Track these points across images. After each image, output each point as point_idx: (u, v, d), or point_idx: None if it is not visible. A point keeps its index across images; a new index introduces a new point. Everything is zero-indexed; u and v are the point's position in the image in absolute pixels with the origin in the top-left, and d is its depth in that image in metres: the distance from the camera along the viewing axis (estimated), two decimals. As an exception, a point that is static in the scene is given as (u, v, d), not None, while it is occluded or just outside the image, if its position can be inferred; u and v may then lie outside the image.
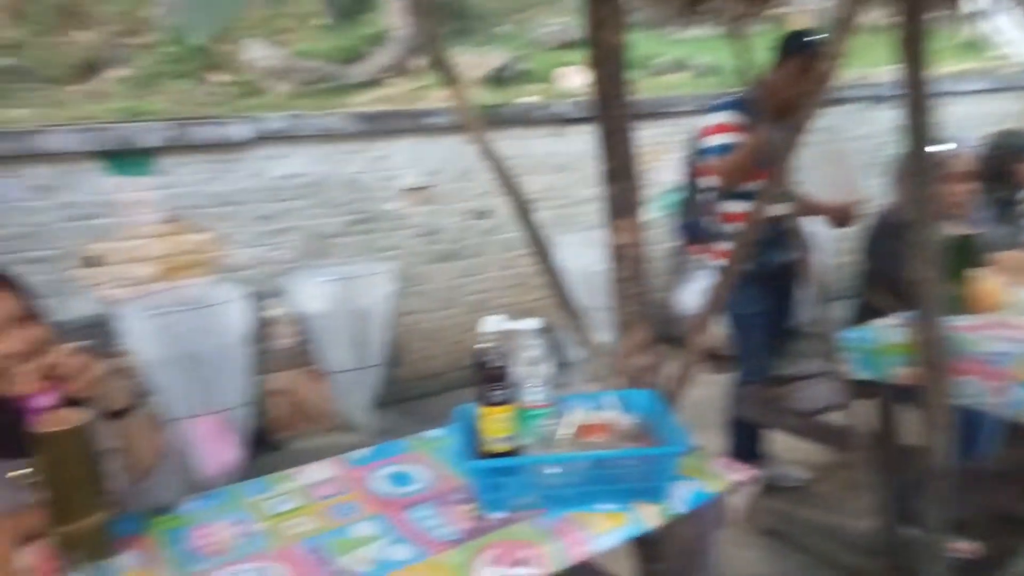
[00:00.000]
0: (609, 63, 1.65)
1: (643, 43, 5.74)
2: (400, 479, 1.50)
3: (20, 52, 4.65)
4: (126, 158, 3.55)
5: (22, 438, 1.17)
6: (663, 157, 4.48)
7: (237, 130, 3.70)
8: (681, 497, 1.37)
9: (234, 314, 3.62)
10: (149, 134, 3.55)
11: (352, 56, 4.72)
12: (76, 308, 3.56)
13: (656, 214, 4.70)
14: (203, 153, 3.68)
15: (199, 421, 3.49)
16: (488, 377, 1.41)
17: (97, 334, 3.56)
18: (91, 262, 3.57)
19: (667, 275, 4.71)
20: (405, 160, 4.15)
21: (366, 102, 4.33)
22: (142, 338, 3.42)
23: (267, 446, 3.91)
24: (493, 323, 1.41)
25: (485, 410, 1.41)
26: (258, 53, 4.60)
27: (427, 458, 1.59)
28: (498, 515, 1.34)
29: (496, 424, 1.41)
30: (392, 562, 1.21)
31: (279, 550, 1.27)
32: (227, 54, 4.76)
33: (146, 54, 4.73)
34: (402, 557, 1.23)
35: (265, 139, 3.79)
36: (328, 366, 3.95)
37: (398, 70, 4.68)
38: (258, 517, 1.39)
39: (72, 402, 1.25)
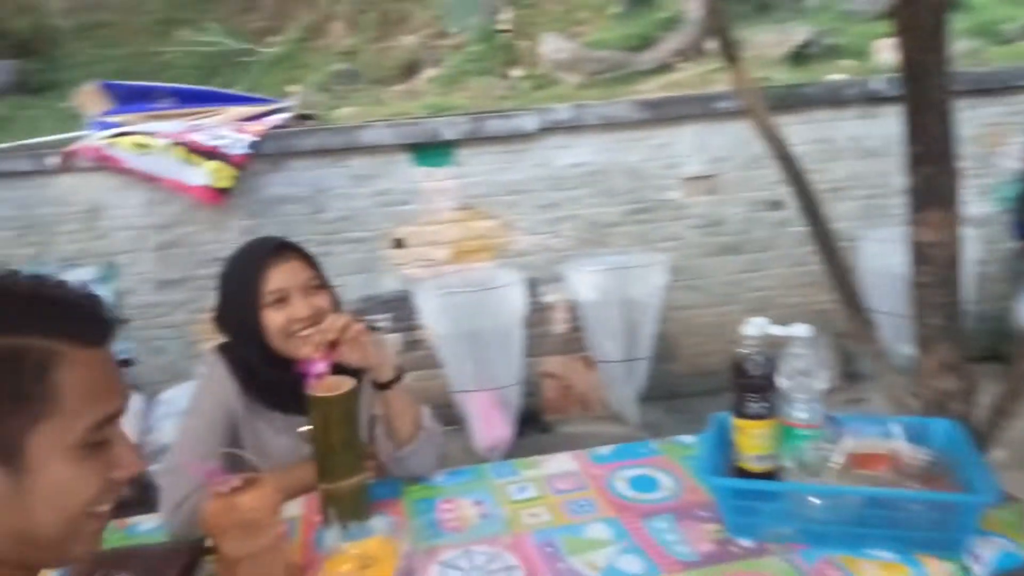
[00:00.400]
0: (921, 28, 1.38)
1: (989, 6, 4.87)
2: (643, 483, 1.41)
3: (354, 57, 5.32)
4: (431, 150, 3.88)
5: (301, 396, 1.29)
6: (1008, 140, 3.77)
7: (526, 122, 3.84)
8: (983, 557, 1.10)
9: (514, 297, 3.77)
10: (451, 128, 3.83)
11: (643, 43, 4.65)
12: (384, 284, 3.99)
13: (992, 208, 3.98)
14: (495, 144, 3.88)
15: (476, 396, 3.71)
16: (747, 386, 1.26)
17: (399, 308, 3.96)
18: (397, 244, 3.97)
19: (1003, 282, 3.97)
20: (689, 148, 3.98)
21: (653, 89, 4.23)
22: (433, 314, 3.71)
23: (537, 426, 4.05)
24: (757, 325, 1.26)
25: (742, 422, 1.27)
26: (552, 46, 4.73)
27: (676, 465, 1.48)
28: (746, 542, 1.20)
29: (753, 440, 1.27)
30: (621, 573, 1.14)
31: (513, 537, 1.26)
32: (526, 50, 4.98)
33: (455, 54, 5.12)
34: (632, 570, 1.15)
35: (551, 130, 3.89)
36: (598, 354, 3.96)
37: (690, 54, 4.51)
38: (499, 500, 1.40)
39: (343, 369, 1.36)
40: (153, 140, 3.67)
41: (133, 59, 5.72)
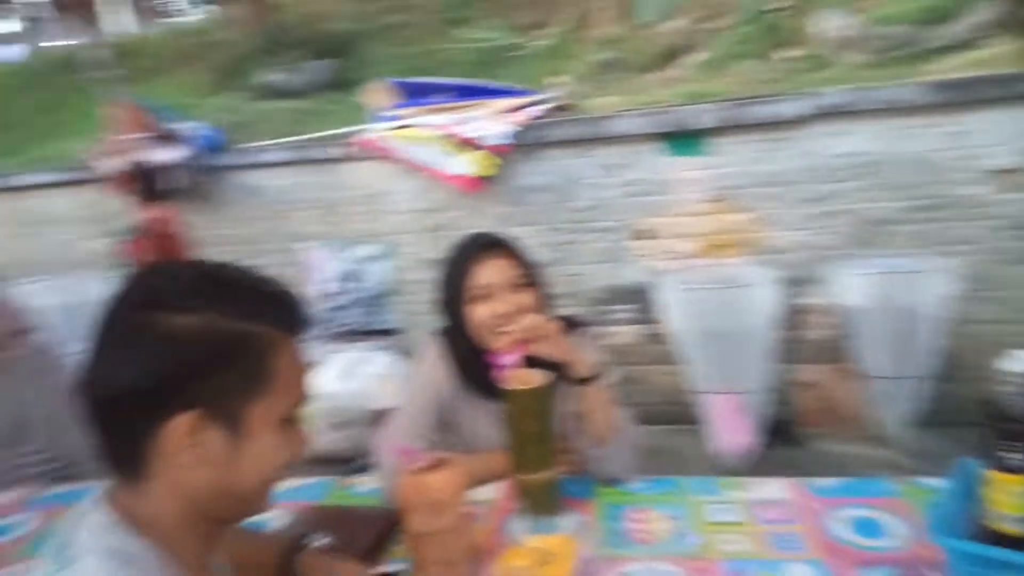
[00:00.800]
0: None
1: None
2: (867, 527, 1.23)
3: (620, 45, 5.30)
4: (682, 139, 3.75)
5: (492, 384, 1.31)
6: None
7: (791, 107, 3.54)
8: None
9: (765, 297, 3.53)
10: (705, 115, 3.66)
11: (941, 16, 4.04)
12: (628, 275, 3.96)
13: None
14: (754, 132, 3.64)
15: (718, 398, 3.53)
16: (1007, 432, 1.04)
17: (641, 300, 3.90)
18: (642, 235, 3.90)
19: None
20: (993, 136, 3.39)
21: (948, 68, 3.66)
22: (676, 309, 3.60)
23: (787, 439, 3.75)
24: (1020, 359, 1.03)
25: (996, 475, 1.05)
26: (831, 23, 4.30)
27: (912, 511, 1.26)
28: (985, 619, 0.99)
29: (1010, 497, 1.04)
30: (816, 626, 1.00)
31: (703, 562, 1.17)
32: (799, 29, 4.59)
33: (721, 37, 4.88)
34: (830, 624, 1.00)
35: (821, 115, 3.54)
36: (864, 367, 3.55)
37: (999, 29, 3.83)
38: (695, 519, 1.31)
39: (546, 364, 1.36)
40: (422, 132, 4.00)
41: (422, 57, 6.28)
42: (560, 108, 4.27)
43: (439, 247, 4.43)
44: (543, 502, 1.32)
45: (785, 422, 3.74)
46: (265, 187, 4.80)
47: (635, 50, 5.21)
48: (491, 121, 4.02)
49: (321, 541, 1.14)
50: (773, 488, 1.39)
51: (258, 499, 0.85)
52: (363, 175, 4.43)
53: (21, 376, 1.80)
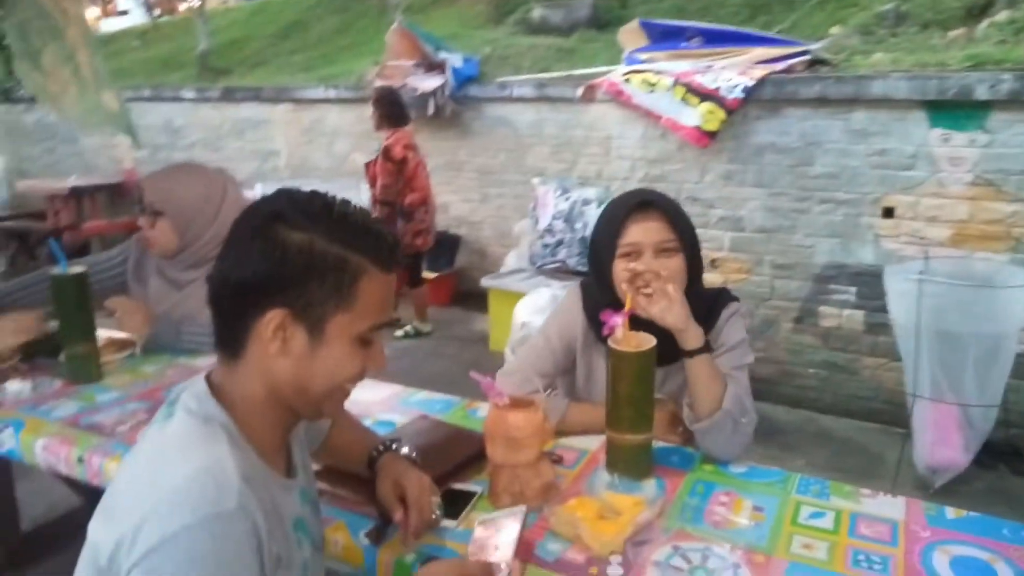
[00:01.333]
0: None
1: None
2: (969, 567, 1.10)
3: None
4: (954, 110, 3.29)
5: None
6: None
7: (1100, 83, 2.94)
8: None
9: (1019, 302, 3.04)
10: (986, 85, 3.17)
11: None
12: (859, 254, 3.62)
13: None
14: (1046, 109, 3.08)
15: (935, 406, 3.16)
16: None
17: (869, 285, 3.56)
18: (887, 212, 3.53)
19: None
20: None
21: None
22: (906, 300, 3.24)
23: (1014, 466, 3.27)
24: None
25: None
26: None
27: (1040, 569, 1.10)
28: None
29: None
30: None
31: (760, 556, 1.13)
32: None
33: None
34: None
35: None
36: None
37: None
38: (783, 515, 1.25)
39: (651, 327, 1.36)
40: (660, 79, 3.91)
41: (690, -3, 6.05)
42: (818, 62, 3.93)
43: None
44: (629, 463, 1.34)
45: (1012, 446, 3.26)
46: (510, 120, 5.04)
47: (929, 4, 4.58)
48: (733, 71, 3.82)
49: (404, 448, 1.27)
50: (889, 506, 1.28)
51: (326, 401, 0.95)
52: (598, 117, 4.47)
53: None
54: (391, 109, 4.51)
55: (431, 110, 5.13)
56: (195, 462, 0.82)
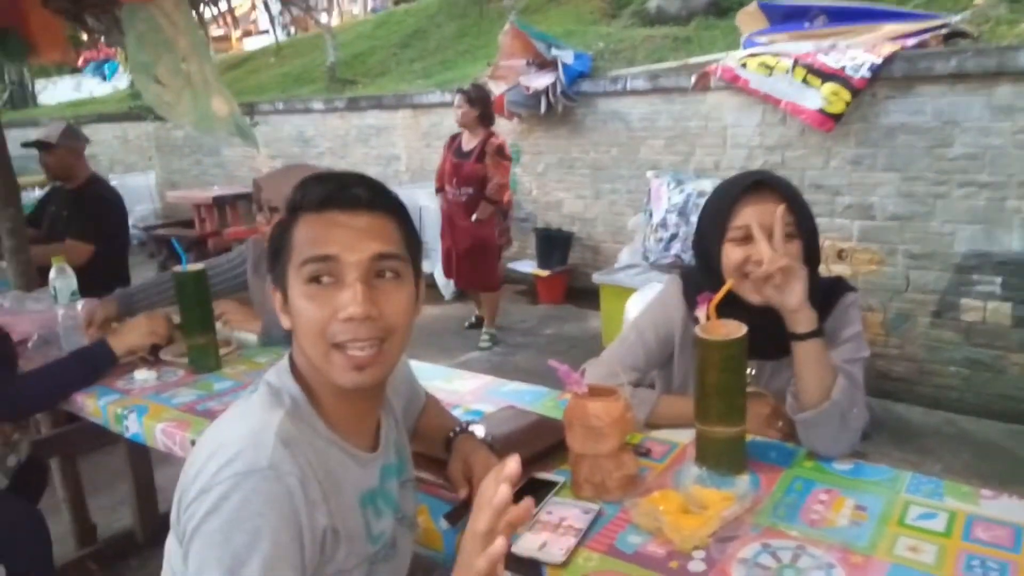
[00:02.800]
0: None
1: None
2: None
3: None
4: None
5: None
6: None
7: None
8: None
9: None
10: None
11: None
12: (1004, 241, 3.30)
13: None
14: None
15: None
16: None
17: (1017, 275, 3.23)
18: (1037, 194, 3.19)
19: None
20: None
21: None
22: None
23: None
24: None
25: None
26: None
27: None
28: None
29: None
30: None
31: (859, 557, 1.05)
32: None
33: None
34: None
35: None
36: None
37: None
38: (888, 515, 1.15)
39: (753, 319, 1.29)
40: (778, 61, 3.73)
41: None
42: (956, 35, 3.62)
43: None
44: (719, 457, 1.28)
45: None
46: (623, 114, 4.97)
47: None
48: (859, 49, 3.58)
49: (478, 429, 1.28)
50: (1014, 509, 1.15)
51: (327, 368, 0.90)
52: (714, 106, 4.33)
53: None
54: (488, 110, 4.53)
55: (543, 108, 5.14)
56: (244, 426, 0.87)
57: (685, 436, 1.43)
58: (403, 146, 6.47)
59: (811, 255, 1.39)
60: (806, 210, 1.40)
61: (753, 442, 1.37)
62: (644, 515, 1.16)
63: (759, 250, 1.33)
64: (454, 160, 4.55)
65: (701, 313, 1.28)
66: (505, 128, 5.65)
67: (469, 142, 4.49)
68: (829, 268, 3.59)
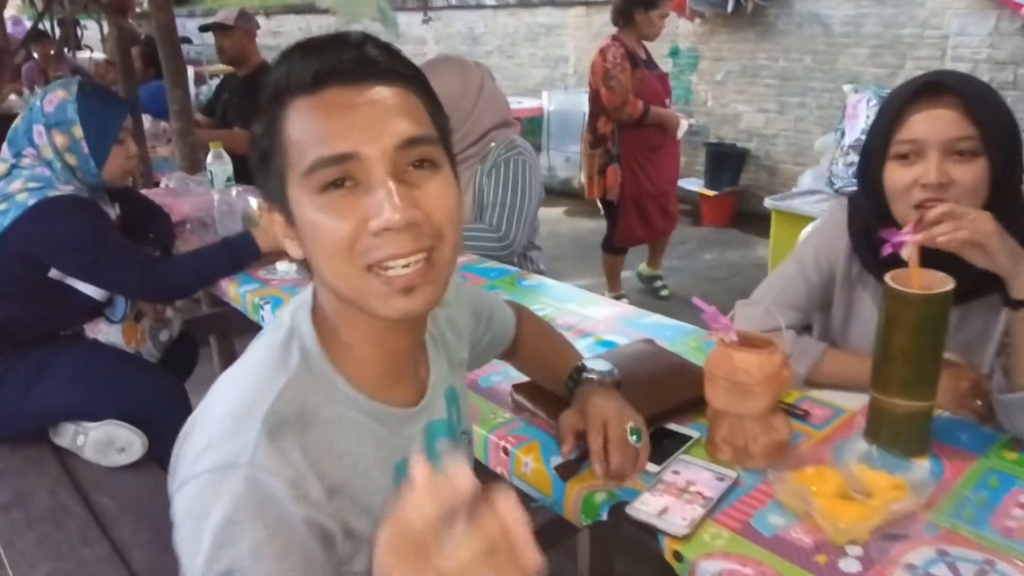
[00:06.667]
0: None
1: None
2: None
3: None
4: None
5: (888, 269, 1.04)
6: None
7: None
8: None
9: None
10: None
11: None
12: None
13: None
14: None
15: None
16: None
17: None
18: None
19: None
20: None
21: None
22: None
23: None
24: None
25: None
26: None
27: None
28: None
29: None
30: None
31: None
32: None
33: None
34: None
35: None
36: None
37: None
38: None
39: (957, 265, 1.02)
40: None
41: None
42: None
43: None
44: (896, 434, 1.05)
45: None
46: (822, 17, 4.42)
47: None
48: None
49: (601, 364, 1.11)
50: None
51: (365, 297, 0.69)
52: (935, 10, 3.70)
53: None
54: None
55: (731, 6, 4.65)
56: (236, 395, 0.70)
57: (855, 401, 1.21)
58: (572, 47, 6.16)
59: (1005, 182, 1.10)
60: (1000, 120, 1.10)
61: (939, 419, 1.12)
62: (791, 493, 0.97)
63: (926, 171, 1.08)
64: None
65: (903, 247, 1.01)
66: (685, 30, 5.20)
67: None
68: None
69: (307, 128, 0.67)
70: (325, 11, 8.68)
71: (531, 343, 1.16)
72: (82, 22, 8.58)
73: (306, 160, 0.67)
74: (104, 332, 1.85)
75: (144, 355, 1.91)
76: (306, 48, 0.69)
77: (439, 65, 2.00)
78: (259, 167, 0.72)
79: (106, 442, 1.68)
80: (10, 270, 1.63)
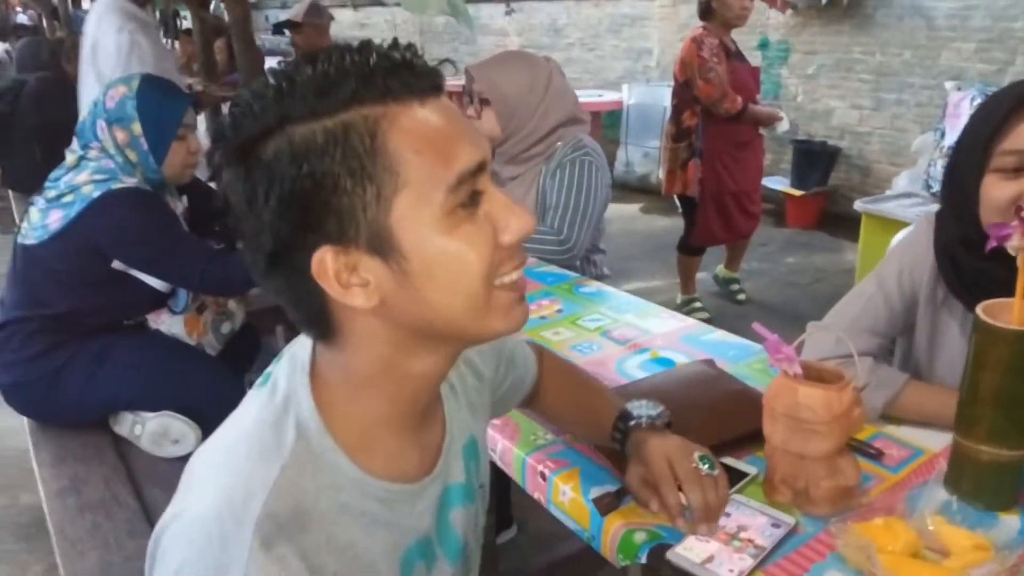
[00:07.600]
0: None
1: None
2: None
3: None
4: None
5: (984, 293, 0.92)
6: None
7: None
8: None
9: None
10: None
11: None
12: None
13: None
14: None
15: None
16: None
17: None
18: None
19: None
20: None
21: None
22: None
23: None
24: None
25: None
26: None
27: None
28: None
29: None
30: None
31: None
32: None
33: None
34: None
35: None
36: None
37: None
38: None
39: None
40: None
41: None
42: None
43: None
44: (981, 484, 0.93)
45: None
46: (924, 8, 4.14)
47: None
48: None
49: (641, 408, 0.98)
50: None
51: (482, 319, 0.62)
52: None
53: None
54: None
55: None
56: (221, 498, 0.58)
57: (938, 441, 1.09)
58: (656, 39, 5.99)
59: None
60: None
61: (1034, 468, 0.99)
62: (855, 547, 0.87)
63: None
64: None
65: (1015, 244, 0.87)
66: (776, 22, 4.97)
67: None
68: None
69: (426, 134, 0.58)
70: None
71: (557, 388, 1.05)
72: (181, 12, 8.92)
73: (448, 174, 0.57)
74: (167, 323, 1.87)
75: (205, 347, 1.93)
76: (362, 52, 0.58)
77: (507, 60, 1.94)
78: (312, 197, 0.56)
79: (161, 433, 1.70)
80: (76, 261, 1.66)
